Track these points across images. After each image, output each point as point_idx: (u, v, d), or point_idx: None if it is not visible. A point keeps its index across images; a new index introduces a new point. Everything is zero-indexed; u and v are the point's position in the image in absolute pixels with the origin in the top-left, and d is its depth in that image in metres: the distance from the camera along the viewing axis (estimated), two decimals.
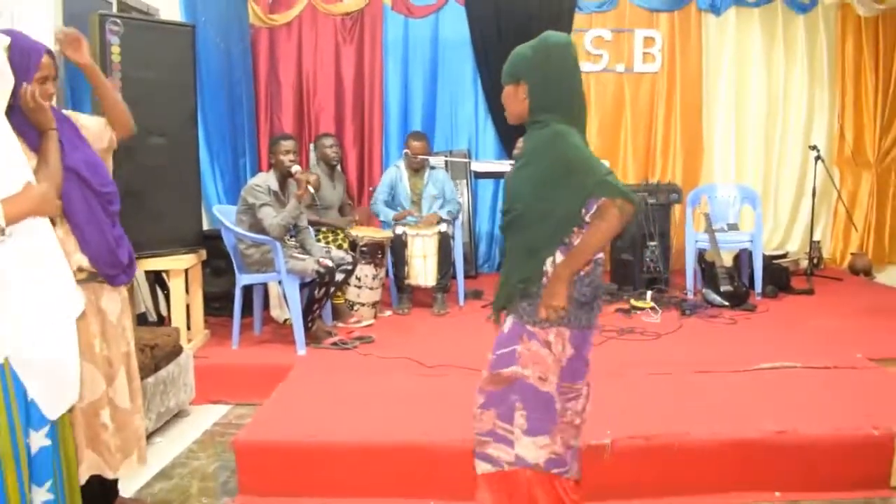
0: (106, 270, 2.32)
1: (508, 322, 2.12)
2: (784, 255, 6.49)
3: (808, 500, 2.74)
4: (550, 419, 2.10)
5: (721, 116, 6.77)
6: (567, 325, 2.05)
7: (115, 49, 3.69)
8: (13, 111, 2.06)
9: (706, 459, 2.78)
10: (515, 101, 2.11)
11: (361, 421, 3.03)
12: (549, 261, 2.05)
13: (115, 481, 2.54)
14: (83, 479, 2.27)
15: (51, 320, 1.81)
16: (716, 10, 6.62)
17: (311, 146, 6.03)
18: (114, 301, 2.39)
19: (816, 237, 6.66)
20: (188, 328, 4.15)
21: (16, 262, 1.71)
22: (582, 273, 2.04)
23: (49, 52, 2.17)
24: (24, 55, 2.08)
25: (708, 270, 5.29)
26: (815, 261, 6.43)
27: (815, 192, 6.23)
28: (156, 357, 3.27)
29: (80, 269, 2.25)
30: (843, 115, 6.78)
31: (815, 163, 6.12)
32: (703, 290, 5.23)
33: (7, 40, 1.93)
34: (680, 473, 2.77)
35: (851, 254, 6.74)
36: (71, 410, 2.04)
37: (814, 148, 6.14)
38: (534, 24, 6.35)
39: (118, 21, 3.73)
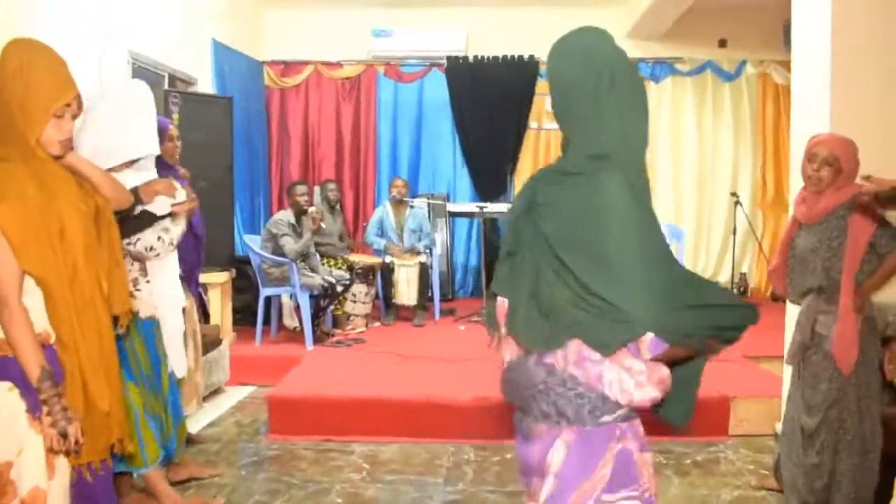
0: (187, 277, 3.51)
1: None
2: None
3: (670, 442, 3.87)
4: None
5: (661, 169, 8.00)
6: None
7: (175, 117, 4.93)
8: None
9: None
10: None
11: (357, 386, 4.22)
12: None
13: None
14: None
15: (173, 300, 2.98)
16: (655, 78, 7.93)
17: (317, 189, 7.26)
18: (187, 297, 3.58)
19: (744, 269, 7.91)
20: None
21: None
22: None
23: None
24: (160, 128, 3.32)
25: None
26: (741, 289, 7.67)
27: (735, 231, 7.49)
28: (205, 344, 4.43)
29: None
30: (764, 166, 8.05)
31: (736, 207, 7.39)
32: None
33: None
34: None
35: None
36: None
37: (734, 195, 7.43)
38: (503, 90, 7.65)
39: (177, 95, 4.97)
